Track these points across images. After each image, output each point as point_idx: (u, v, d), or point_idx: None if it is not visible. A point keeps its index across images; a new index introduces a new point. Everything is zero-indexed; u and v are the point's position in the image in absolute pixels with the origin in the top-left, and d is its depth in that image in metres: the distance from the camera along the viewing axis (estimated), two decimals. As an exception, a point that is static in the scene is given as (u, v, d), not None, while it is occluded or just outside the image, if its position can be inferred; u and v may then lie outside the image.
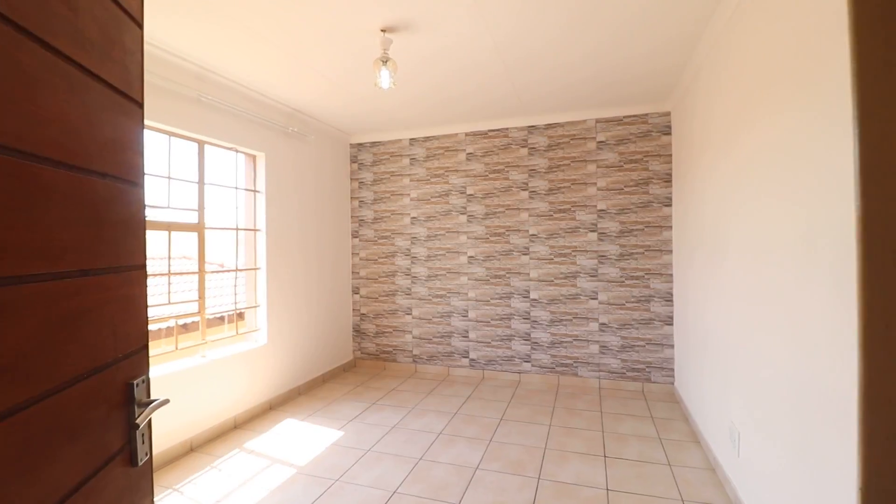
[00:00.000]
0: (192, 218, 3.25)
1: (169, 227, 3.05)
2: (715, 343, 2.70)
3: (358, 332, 5.07)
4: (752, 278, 2.09)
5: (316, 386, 4.36)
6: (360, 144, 5.03)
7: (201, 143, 3.29)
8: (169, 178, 3.03)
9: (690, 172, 3.30)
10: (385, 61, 2.50)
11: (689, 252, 3.38)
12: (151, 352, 2.92)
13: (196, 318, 3.26)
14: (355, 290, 5.06)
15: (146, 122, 2.78)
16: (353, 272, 5.08)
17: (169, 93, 2.94)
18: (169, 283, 3.06)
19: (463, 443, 3.07)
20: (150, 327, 3.40)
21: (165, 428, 2.86)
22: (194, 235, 3.26)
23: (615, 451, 2.94)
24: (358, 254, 5.05)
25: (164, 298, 3.29)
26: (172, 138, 3.07)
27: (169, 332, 3.22)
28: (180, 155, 3.20)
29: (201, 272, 3.27)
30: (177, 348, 3.03)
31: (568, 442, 3.06)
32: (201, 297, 3.26)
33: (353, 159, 5.07)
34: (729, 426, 2.45)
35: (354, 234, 5.06)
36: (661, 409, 3.67)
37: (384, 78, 2.55)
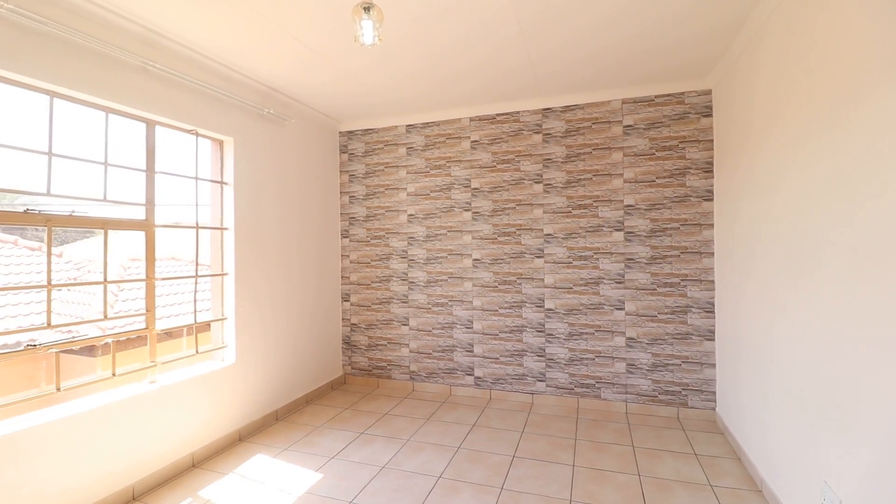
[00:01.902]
0: (139, 213, 2.67)
1: (105, 224, 2.47)
2: (792, 373, 2.10)
3: (348, 345, 4.48)
4: (881, 300, 1.49)
5: (297, 408, 3.78)
6: (351, 132, 4.45)
7: (151, 123, 2.71)
8: (106, 164, 2.46)
9: (745, 159, 2.71)
10: (367, 8, 1.92)
11: (742, 256, 2.78)
12: (81, 378, 2.34)
13: (144, 335, 2.69)
14: (345, 298, 4.48)
15: (65, 90, 2.22)
16: (342, 277, 4.49)
17: (104, 58, 2.37)
18: (105, 293, 2.48)
19: (468, 492, 2.48)
20: (75, 348, 2.78)
21: (100, 473, 2.29)
22: (141, 235, 2.68)
23: (659, 505, 2.34)
24: (348, 256, 4.47)
25: (98, 311, 2.72)
26: (111, 115, 2.50)
27: (106, 351, 2.66)
28: (122, 137, 2.63)
29: (150, 279, 2.69)
30: (114, 374, 2.46)
31: (598, 492, 2.46)
32: (150, 309, 2.69)
33: (343, 149, 4.49)
34: (819, 486, 1.85)
35: (344, 234, 4.48)
36: (703, 441, 3.07)
37: (366, 31, 1.97)
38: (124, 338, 2.53)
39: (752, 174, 2.58)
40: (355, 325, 4.45)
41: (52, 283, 2.20)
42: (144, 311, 2.68)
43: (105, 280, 2.48)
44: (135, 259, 6.55)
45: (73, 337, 2.41)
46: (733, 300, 2.96)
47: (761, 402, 2.48)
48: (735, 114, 2.88)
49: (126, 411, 2.45)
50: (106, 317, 2.47)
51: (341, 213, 4.49)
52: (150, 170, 2.70)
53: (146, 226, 2.68)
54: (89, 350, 4.26)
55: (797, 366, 2.05)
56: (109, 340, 2.48)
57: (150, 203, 2.69)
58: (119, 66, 2.45)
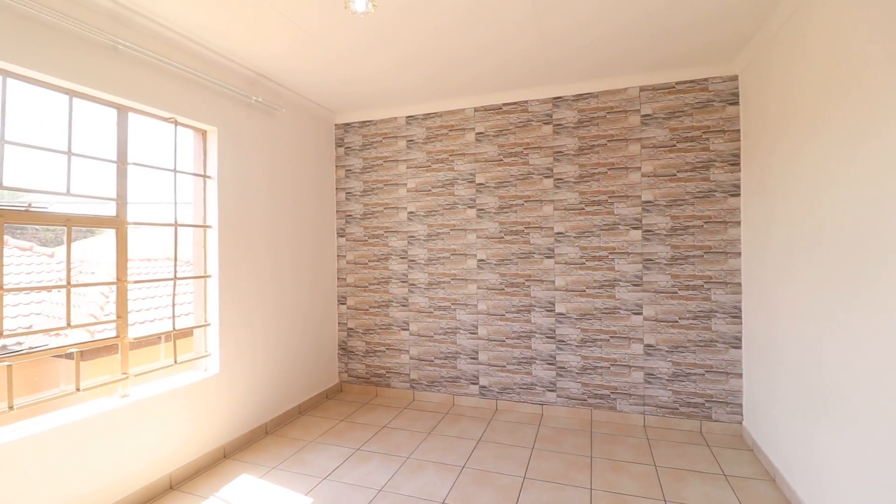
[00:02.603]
0: (109, 209, 2.41)
1: (68, 221, 2.21)
2: (851, 389, 1.82)
3: (344, 351, 4.22)
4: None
5: (289, 420, 3.51)
6: (347, 125, 4.18)
7: (123, 110, 2.45)
8: (69, 153, 2.20)
9: (783, 149, 2.43)
10: (360, -31, 1.65)
11: (779, 257, 2.50)
12: (36, 395, 2.08)
13: (115, 343, 2.42)
14: (341, 300, 4.22)
15: (19, 69, 1.96)
16: (338, 278, 4.23)
17: (65, 34, 2.10)
18: (68, 298, 2.21)
19: (475, 521, 2.21)
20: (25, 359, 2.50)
21: (62, 499, 2.03)
22: (111, 234, 2.42)
23: (691, 538, 2.07)
24: (345, 256, 4.20)
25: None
26: (77, 100, 2.24)
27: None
28: (91, 124, 2.37)
29: (121, 283, 2.43)
30: (78, 389, 2.19)
31: (622, 522, 2.19)
32: (121, 315, 2.43)
33: (339, 142, 4.22)
34: (889, 526, 1.57)
35: (340, 233, 4.22)
36: (731, 459, 2.79)
37: (359, -5, 1.70)
38: (86, 348, 2.26)
39: (795, 166, 2.30)
40: (352, 329, 4.18)
41: (3, 286, 1.94)
42: (115, 318, 2.41)
43: (68, 283, 2.21)
44: (129, 259, 6.27)
45: (32, 348, 2.15)
46: (767, 305, 2.68)
47: (805, 419, 2.20)
48: (769, 99, 2.60)
49: (93, 429, 2.19)
50: (69, 324, 2.21)
51: (337, 211, 4.23)
52: (121, 161, 2.43)
53: (117, 223, 2.42)
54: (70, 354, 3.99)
55: (859, 382, 1.77)
56: (73, 351, 2.21)
57: (121, 198, 2.43)
58: (83, 43, 2.18)
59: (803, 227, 2.20)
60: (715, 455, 2.87)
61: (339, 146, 4.21)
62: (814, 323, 2.11)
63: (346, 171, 4.18)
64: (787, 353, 2.40)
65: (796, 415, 2.30)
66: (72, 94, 2.21)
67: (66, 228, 2.21)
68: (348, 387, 4.19)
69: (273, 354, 3.39)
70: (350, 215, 4.17)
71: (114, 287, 2.41)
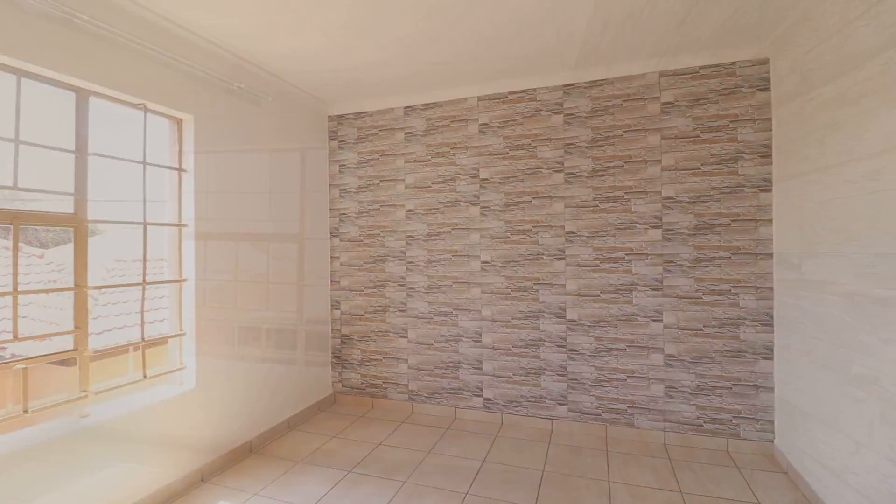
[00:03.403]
0: (65, 206, 2.13)
1: (15, 218, 1.93)
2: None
3: (338, 360, 3.93)
4: None
5: (277, 436, 3.23)
6: (342, 116, 3.90)
7: (83, 93, 2.17)
8: (17, 141, 1.92)
9: (839, 132, 2.14)
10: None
11: (823, 256, 2.21)
12: (-25, 420, 1.80)
13: (74, 357, 2.14)
14: (335, 305, 3.93)
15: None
16: (332, 281, 3.94)
17: (7, 2, 1.83)
18: (15, 305, 1.93)
19: (480, 564, 1.93)
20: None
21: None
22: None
23: (732, 586, 1.78)
24: (338, 258, 3.92)
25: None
26: (26, 80, 1.96)
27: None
28: (44, 110, 2.09)
29: (79, 288, 2.15)
30: (26, 411, 1.91)
31: (650, 566, 1.90)
32: (80, 325, 2.15)
33: (333, 135, 3.94)
34: None
35: (334, 233, 3.93)
36: (765, 484, 2.50)
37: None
38: (34, 364, 1.98)
39: (854, 152, 2.00)
40: (346, 336, 3.89)
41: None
42: (74, 329, 2.13)
43: (15, 290, 1.93)
44: (121, 260, 5.99)
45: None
46: (809, 312, 2.39)
47: (859, 439, 1.91)
48: (808, 83, 2.31)
49: (47, 457, 1.91)
50: (16, 337, 1.93)
51: (331, 209, 3.94)
52: (80, 151, 2.15)
53: (75, 221, 2.14)
54: (64, 360, 3.72)
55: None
56: (21, 367, 1.93)
57: (80, 193, 2.15)
58: (30, 14, 1.90)
59: (859, 224, 1.91)
60: (746, 479, 2.57)
61: (333, 139, 3.93)
62: (865, 338, 1.82)
63: (341, 166, 3.90)
64: (836, 366, 2.11)
65: (847, 437, 2.00)
66: (20, 73, 1.93)
67: (10, 226, 1.92)
68: (342, 398, 3.91)
69: (258, 365, 3.11)
70: (344, 214, 3.89)
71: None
